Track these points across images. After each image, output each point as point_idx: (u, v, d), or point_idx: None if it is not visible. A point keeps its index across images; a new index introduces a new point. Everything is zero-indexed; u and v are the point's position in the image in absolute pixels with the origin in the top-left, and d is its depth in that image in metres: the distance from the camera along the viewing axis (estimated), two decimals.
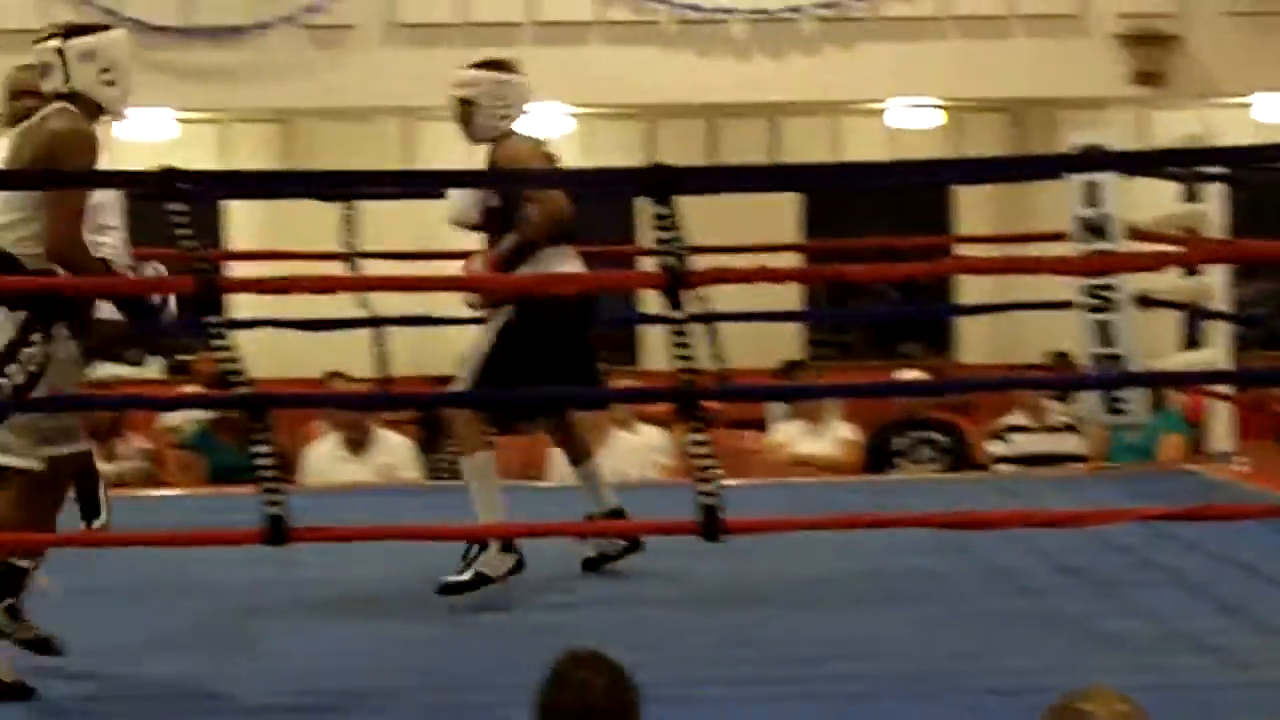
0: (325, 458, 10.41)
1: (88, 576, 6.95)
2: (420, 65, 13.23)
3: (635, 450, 10.33)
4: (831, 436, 10.85)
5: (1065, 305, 8.67)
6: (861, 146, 14.54)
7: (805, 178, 9.02)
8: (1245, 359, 10.58)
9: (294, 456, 10.15)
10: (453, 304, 8.34)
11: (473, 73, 6.95)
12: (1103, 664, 5.54)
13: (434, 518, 6.75)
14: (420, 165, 13.98)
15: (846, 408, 11.05)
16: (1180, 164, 8.22)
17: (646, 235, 11.33)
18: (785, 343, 13.60)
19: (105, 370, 14.51)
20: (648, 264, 8.28)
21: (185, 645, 6.08)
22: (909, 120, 14.42)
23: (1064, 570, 7.05)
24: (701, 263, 5.69)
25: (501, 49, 13.22)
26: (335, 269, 8.22)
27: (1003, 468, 10.60)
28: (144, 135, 14.02)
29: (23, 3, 13.31)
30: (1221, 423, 9.52)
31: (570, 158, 14.31)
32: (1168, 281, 8.90)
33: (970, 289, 13.93)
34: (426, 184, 9.44)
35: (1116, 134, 9.67)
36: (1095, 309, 8.46)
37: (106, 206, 6.92)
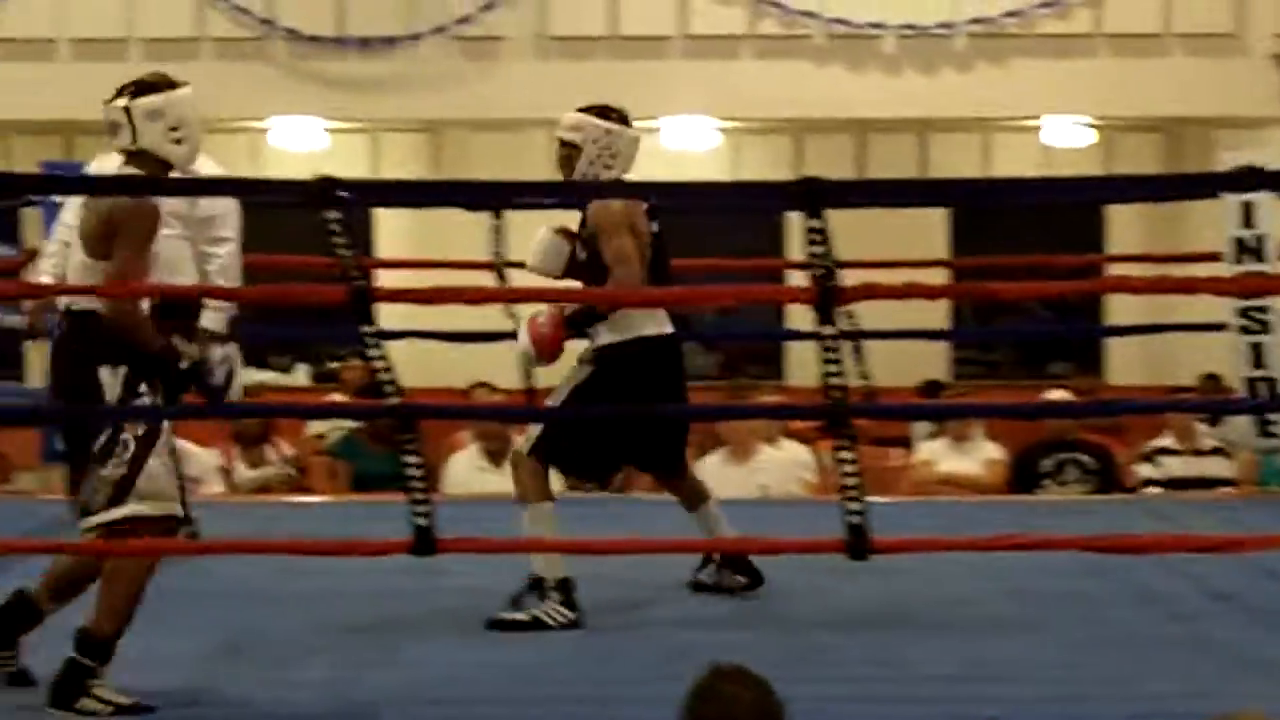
0: (466, 468, 10.44)
1: (232, 582, 7.03)
2: (570, 77, 13.27)
3: (780, 466, 10.28)
4: (977, 456, 10.76)
5: (1218, 327, 8.53)
6: (1011, 163, 14.44)
7: (959, 193, 8.92)
8: None
9: (436, 466, 10.18)
10: None
11: (580, 116, 6.79)
12: (1253, 690, 5.43)
13: (572, 530, 6.73)
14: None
15: (993, 427, 10.96)
16: None
17: (795, 250, 11.30)
18: (930, 361, 13.52)
19: (252, 377, 14.71)
20: (796, 279, 8.26)
21: (328, 652, 6.10)
22: (1061, 137, 14.29)
23: (1214, 596, 6.94)
24: (851, 278, 5.63)
25: (651, 62, 13.43)
26: (483, 279, 8.23)
27: (1151, 490, 10.47)
28: (295, 145, 14.16)
29: (179, 12, 13.46)
30: None
31: (717, 172, 14.41)
32: None
33: (1121, 309, 13.77)
34: (574, 195, 9.47)
35: (1273, 153, 9.53)
36: (1248, 331, 8.31)
37: (221, 219, 7.05)
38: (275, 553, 6.56)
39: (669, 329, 6.70)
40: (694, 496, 6.93)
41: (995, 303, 13.60)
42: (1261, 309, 8.23)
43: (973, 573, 7.13)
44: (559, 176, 6.89)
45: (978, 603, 6.90)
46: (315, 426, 12.08)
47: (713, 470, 10.29)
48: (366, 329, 5.30)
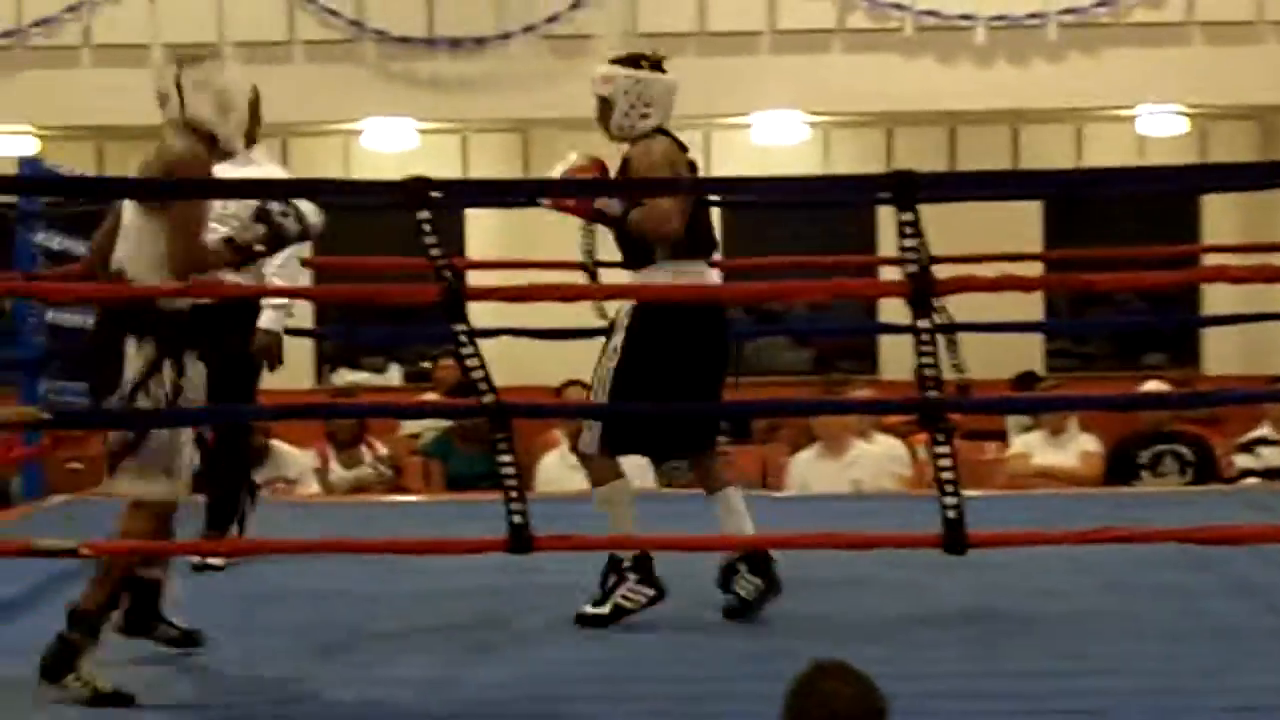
0: (557, 466, 10.46)
1: (331, 580, 7.07)
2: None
3: (874, 460, 10.26)
4: (1073, 448, 10.69)
5: None
6: (1103, 153, 14.36)
7: (1052, 184, 8.85)
8: None
9: (529, 465, 10.20)
10: None
11: (608, 68, 6.64)
12: None
13: (666, 526, 6.73)
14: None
15: (1088, 420, 10.90)
16: None
17: (887, 245, 11.26)
18: (1024, 354, 13.45)
19: (346, 378, 14.80)
20: (888, 273, 8.22)
21: (426, 651, 6.11)
22: (1154, 127, 14.19)
23: None
24: (944, 272, 5.60)
25: (740, 58, 13.41)
26: (573, 278, 8.23)
27: (1249, 481, 10.38)
28: (386, 146, 14.22)
29: (272, 15, 13.55)
30: None
31: (807, 167, 14.38)
32: None
33: (1217, 299, 13.65)
34: (664, 192, 9.45)
35: None
36: None
37: None
38: (371, 552, 6.60)
39: (712, 280, 6.65)
40: (715, 482, 6.68)
41: (1090, 294, 13.51)
42: None
43: (1070, 566, 7.09)
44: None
45: (1075, 596, 6.86)
46: (409, 427, 12.14)
47: (806, 465, 10.30)
48: (459, 328, 5.31)
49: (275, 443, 10.47)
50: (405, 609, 6.74)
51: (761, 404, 10.63)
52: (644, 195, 6.38)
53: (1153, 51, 13.46)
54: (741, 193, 9.05)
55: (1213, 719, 5.23)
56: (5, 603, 6.77)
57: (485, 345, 5.35)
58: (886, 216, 9.85)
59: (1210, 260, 11.33)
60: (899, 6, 13.43)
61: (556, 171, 6.68)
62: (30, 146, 14.25)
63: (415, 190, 5.36)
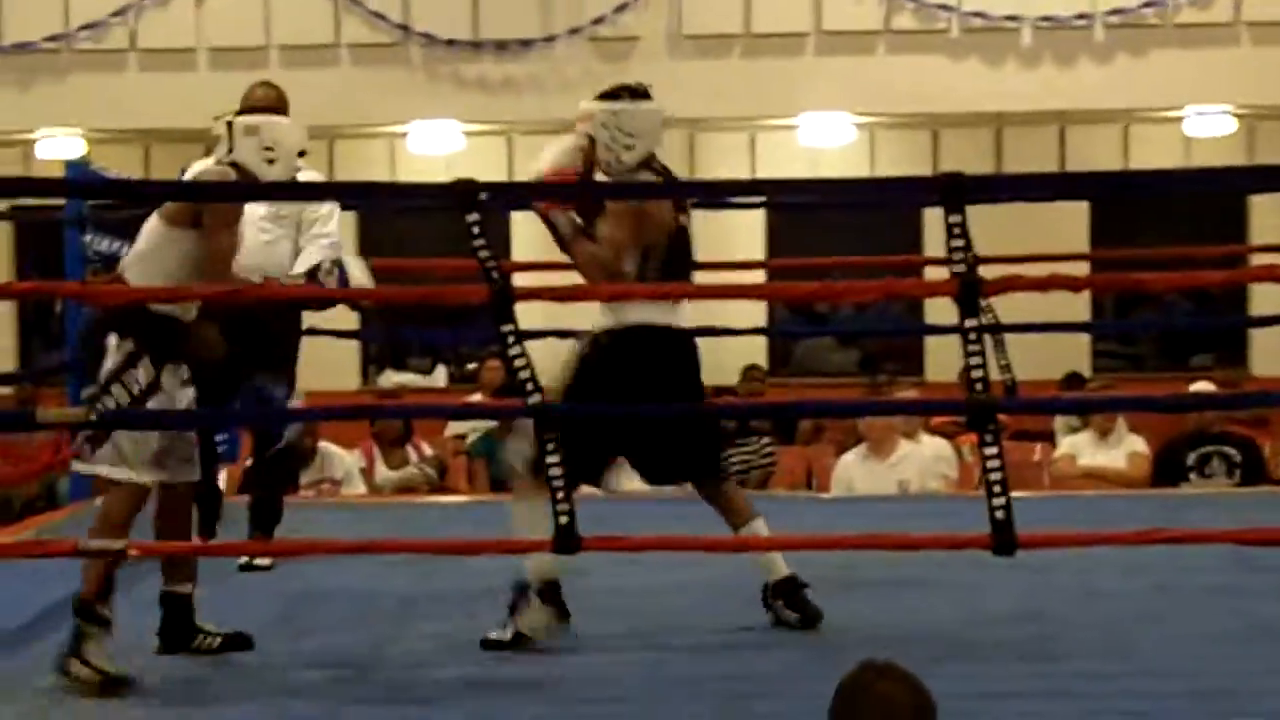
0: None
1: (376, 580, 7.08)
2: (705, 76, 13.31)
3: (920, 461, 10.24)
4: (1121, 449, 10.66)
5: None
6: (1151, 155, 14.31)
7: (1100, 185, 8.83)
8: None
9: None
10: (737, 314, 8.34)
11: (585, 106, 6.45)
12: None
13: (712, 528, 6.72)
14: (702, 175, 14.03)
15: (1135, 421, 10.87)
16: None
17: (933, 246, 11.24)
18: (1071, 354, 13.42)
19: (392, 379, 14.84)
20: (934, 274, 8.20)
21: (469, 651, 6.12)
22: (1202, 128, 14.14)
23: None
24: (990, 272, 5.59)
25: (786, 59, 13.41)
26: None
27: None
28: (431, 148, 14.25)
29: (318, 18, 13.59)
30: None
31: (854, 168, 14.36)
32: None
33: (1264, 299, 13.59)
34: (710, 194, 9.46)
35: None
36: None
37: (324, 218, 7.44)
38: (417, 553, 6.60)
39: (675, 320, 6.24)
40: (736, 513, 6.40)
41: (1137, 295, 13.47)
42: None
43: (1118, 568, 7.07)
44: (694, 176, 6.81)
45: (1124, 597, 6.84)
46: (455, 427, 12.16)
47: (852, 466, 10.29)
48: (507, 329, 5.31)
49: (322, 444, 10.51)
50: (450, 610, 6.75)
51: (807, 405, 10.66)
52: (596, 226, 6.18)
53: (1200, 52, 13.42)
54: (788, 194, 9.04)
55: None
56: (54, 605, 6.79)
57: (532, 346, 5.36)
58: (932, 217, 9.83)
59: (1258, 260, 11.30)
60: (945, 7, 13.41)
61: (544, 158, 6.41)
62: (78, 149, 14.33)
63: (464, 193, 5.38)
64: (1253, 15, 13.44)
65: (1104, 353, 14.84)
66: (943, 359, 13.21)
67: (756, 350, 13.85)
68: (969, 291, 5.22)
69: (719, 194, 9.32)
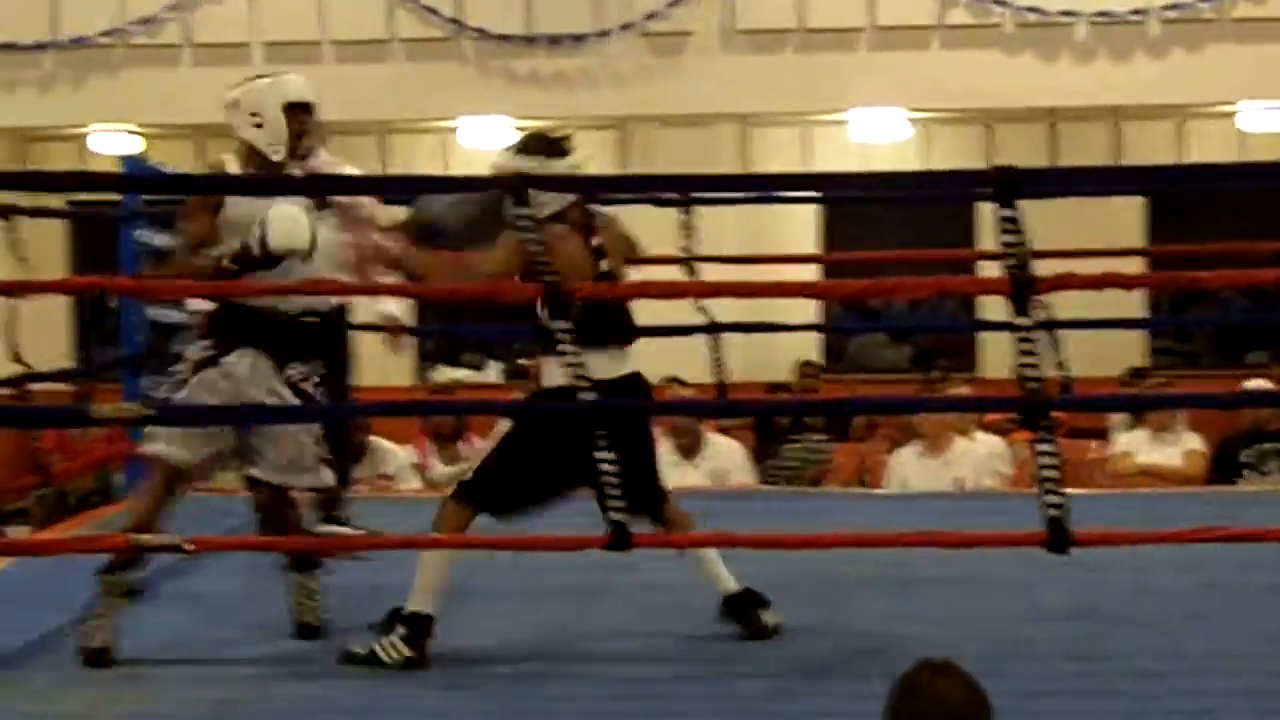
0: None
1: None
2: (758, 71, 13.28)
3: (975, 458, 10.21)
4: (1177, 447, 10.61)
5: None
6: (1206, 150, 14.22)
7: (1155, 179, 8.80)
8: None
9: None
10: (790, 310, 8.31)
11: (499, 162, 6.18)
12: None
13: (766, 524, 6.71)
14: (755, 170, 14.01)
15: (1191, 418, 10.81)
16: None
17: (986, 241, 11.20)
18: (1125, 351, 13.34)
19: (446, 375, 14.86)
20: (987, 270, 8.17)
21: (522, 646, 6.13)
22: (1257, 123, 14.05)
23: None
24: (1044, 268, 5.56)
25: (839, 54, 13.36)
26: (673, 275, 8.23)
27: None
28: (483, 143, 14.24)
29: (372, 13, 13.62)
30: None
31: (907, 164, 14.32)
32: None
33: None
34: (762, 189, 9.45)
35: None
36: None
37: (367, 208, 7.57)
38: (470, 548, 6.60)
39: (626, 370, 6.11)
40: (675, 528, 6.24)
41: (1193, 291, 13.39)
42: None
43: (1173, 565, 7.03)
44: (746, 170, 6.78)
45: (1178, 595, 6.81)
46: (508, 424, 12.14)
47: (906, 463, 10.27)
48: (560, 325, 5.31)
49: (374, 439, 10.53)
50: (503, 605, 6.75)
51: (862, 401, 10.63)
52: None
53: (1256, 47, 13.32)
54: (841, 189, 9.02)
55: None
56: None
57: None
58: (986, 213, 9.80)
59: None
60: (1000, 2, 13.35)
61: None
62: (133, 145, 14.38)
63: (518, 188, 5.38)
64: None
65: (1159, 350, 14.76)
66: (996, 355, 13.15)
67: (810, 346, 13.81)
68: (1022, 289, 5.19)
69: (773, 188, 9.31)
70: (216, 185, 6.46)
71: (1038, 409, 5.25)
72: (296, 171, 6.41)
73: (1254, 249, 9.50)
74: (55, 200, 12.14)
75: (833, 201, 11.74)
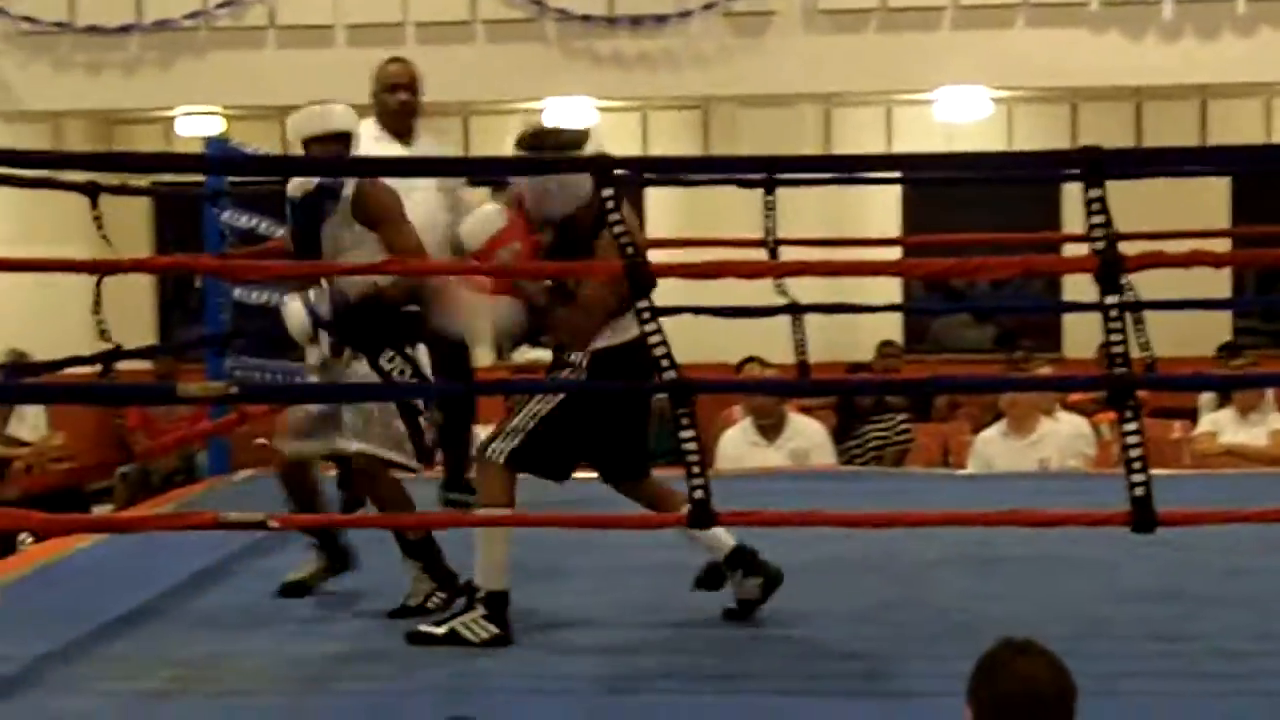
0: (738, 442, 10.45)
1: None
2: (840, 51, 13.24)
3: (1060, 439, 10.16)
4: (1264, 427, 10.53)
5: None
6: None
7: (1243, 159, 8.71)
8: None
9: (709, 442, 10.19)
10: (872, 290, 8.28)
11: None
12: None
13: (848, 504, 6.69)
14: (838, 150, 13.98)
15: (1278, 397, 10.73)
16: None
17: (1071, 222, 11.13)
18: (1210, 331, 13.25)
19: (526, 355, 14.88)
20: (1073, 250, 8.12)
21: (601, 625, 6.13)
22: None
23: None
24: (1130, 248, 5.52)
25: (922, 33, 13.31)
26: (752, 256, 8.21)
27: None
28: (566, 125, 14.24)
29: None
30: None
31: (991, 143, 14.27)
32: None
33: None
34: (845, 169, 9.43)
35: None
36: None
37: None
38: (547, 526, 6.62)
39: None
40: (662, 503, 6.16)
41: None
42: None
43: (1258, 546, 6.98)
44: (829, 150, 6.76)
45: (1265, 575, 6.76)
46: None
47: (991, 443, 10.23)
48: (642, 305, 5.31)
49: None
50: (581, 585, 6.77)
51: (944, 380, 10.58)
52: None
53: None
54: (925, 169, 8.97)
55: None
56: (197, 574, 6.88)
57: (666, 323, 5.35)
58: (1070, 193, 9.74)
59: None
60: None
61: (473, 233, 5.94)
62: (216, 126, 14.47)
63: (601, 168, 5.38)
64: None
65: (1245, 329, 14.65)
66: (1080, 335, 13.10)
67: (892, 326, 13.79)
68: (1110, 269, 5.15)
69: (855, 169, 9.28)
70: (295, 167, 6.49)
71: (1123, 389, 5.22)
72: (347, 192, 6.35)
73: None
74: (140, 181, 12.22)
75: (916, 182, 11.70)
